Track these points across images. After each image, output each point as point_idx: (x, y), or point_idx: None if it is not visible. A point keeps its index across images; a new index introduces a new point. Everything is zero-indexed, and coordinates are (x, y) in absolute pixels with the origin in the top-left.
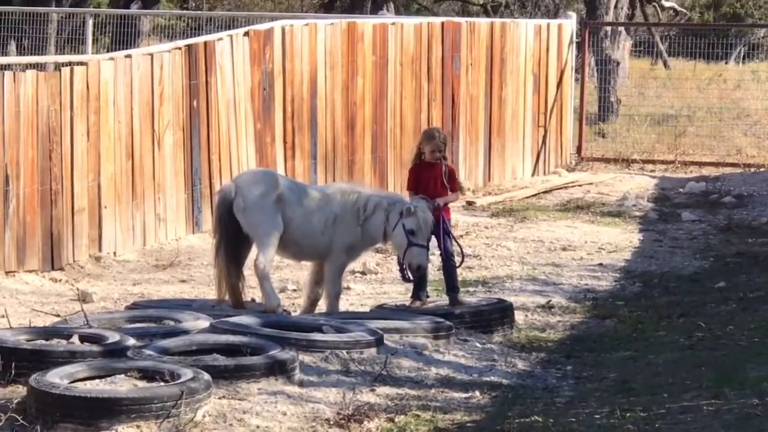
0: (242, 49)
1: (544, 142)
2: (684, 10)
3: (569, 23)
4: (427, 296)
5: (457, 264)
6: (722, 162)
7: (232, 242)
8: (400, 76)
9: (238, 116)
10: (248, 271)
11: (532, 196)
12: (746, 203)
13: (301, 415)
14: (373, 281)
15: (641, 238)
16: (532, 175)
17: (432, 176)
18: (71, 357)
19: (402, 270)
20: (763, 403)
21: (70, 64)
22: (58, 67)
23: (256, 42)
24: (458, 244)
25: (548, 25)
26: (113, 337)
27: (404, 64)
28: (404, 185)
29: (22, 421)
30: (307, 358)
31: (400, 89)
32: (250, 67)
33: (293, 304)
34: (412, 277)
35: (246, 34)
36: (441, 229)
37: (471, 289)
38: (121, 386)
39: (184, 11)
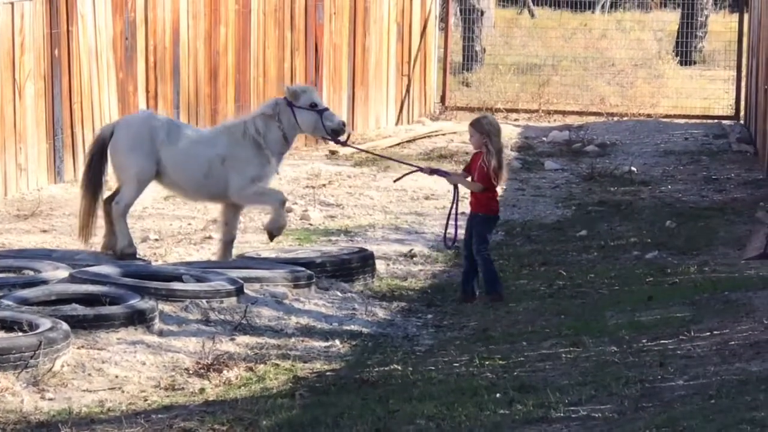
0: None
1: (408, 91)
2: None
3: None
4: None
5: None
6: (586, 111)
7: (95, 178)
8: (263, 25)
9: (100, 66)
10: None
11: (396, 145)
12: (609, 152)
13: (161, 365)
14: None
15: (504, 187)
16: (396, 124)
17: (473, 164)
18: None
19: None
20: (621, 350)
21: None
22: None
23: None
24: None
25: None
26: None
27: (267, 13)
28: None
29: None
30: (167, 307)
31: (263, 38)
32: (112, 16)
33: (155, 253)
34: (336, 141)
35: None
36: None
37: (333, 238)
38: None
39: None
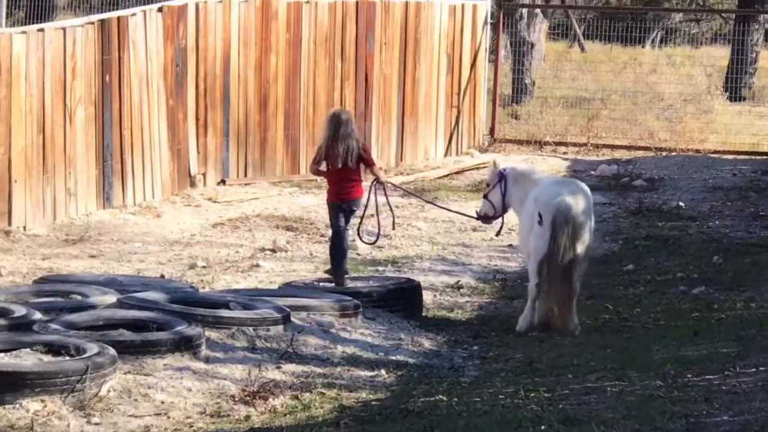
0: (156, 25)
1: (457, 122)
2: None
3: (484, 4)
4: None
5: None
6: (634, 145)
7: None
8: (313, 55)
9: (151, 92)
10: None
11: (444, 176)
12: (657, 187)
13: (206, 391)
14: (283, 259)
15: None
16: (445, 155)
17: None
18: None
19: None
20: (666, 385)
21: None
22: None
23: (170, 18)
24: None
25: (463, 6)
26: (20, 310)
27: (318, 43)
28: None
29: None
30: (213, 334)
31: (314, 68)
32: (164, 43)
33: (202, 280)
34: None
35: (160, 9)
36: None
37: (381, 268)
38: (27, 360)
39: None
